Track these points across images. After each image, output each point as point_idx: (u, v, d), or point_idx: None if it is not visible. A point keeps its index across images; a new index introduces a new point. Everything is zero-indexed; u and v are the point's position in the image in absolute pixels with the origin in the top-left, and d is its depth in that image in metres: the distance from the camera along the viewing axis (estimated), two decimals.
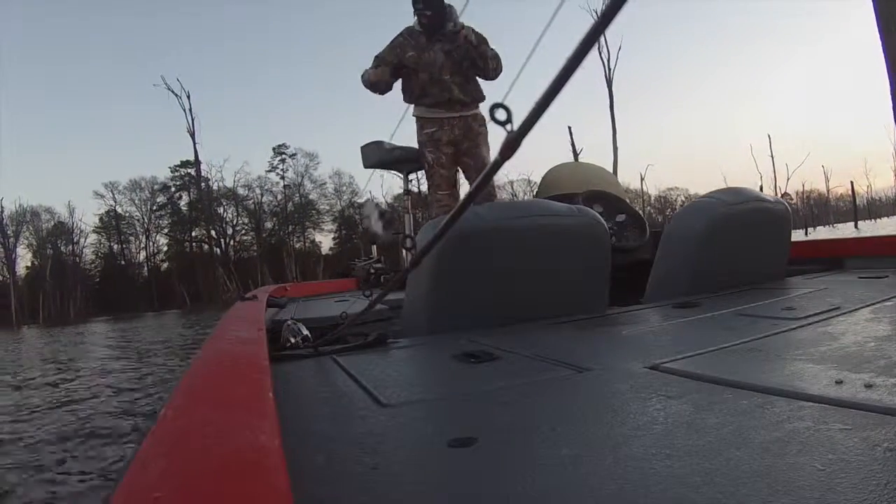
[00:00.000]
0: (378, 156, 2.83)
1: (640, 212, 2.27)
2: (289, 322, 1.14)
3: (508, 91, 0.40)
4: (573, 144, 25.34)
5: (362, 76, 2.51)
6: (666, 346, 0.86)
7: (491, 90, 2.61)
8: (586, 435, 0.51)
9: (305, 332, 1.10)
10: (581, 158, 25.07)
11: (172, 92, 24.34)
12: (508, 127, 0.36)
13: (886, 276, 1.43)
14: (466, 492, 0.41)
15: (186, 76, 50.59)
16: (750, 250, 1.57)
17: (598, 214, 1.34)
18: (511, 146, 0.37)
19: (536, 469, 0.44)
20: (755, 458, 0.41)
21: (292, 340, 1.08)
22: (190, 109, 24.46)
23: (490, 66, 2.45)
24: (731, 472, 0.40)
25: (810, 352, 0.71)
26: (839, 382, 0.57)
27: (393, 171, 3.22)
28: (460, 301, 1.19)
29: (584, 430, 0.53)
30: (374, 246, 3.44)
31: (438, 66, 2.45)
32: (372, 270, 3.00)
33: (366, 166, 2.89)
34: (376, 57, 2.51)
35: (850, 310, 0.99)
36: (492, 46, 2.48)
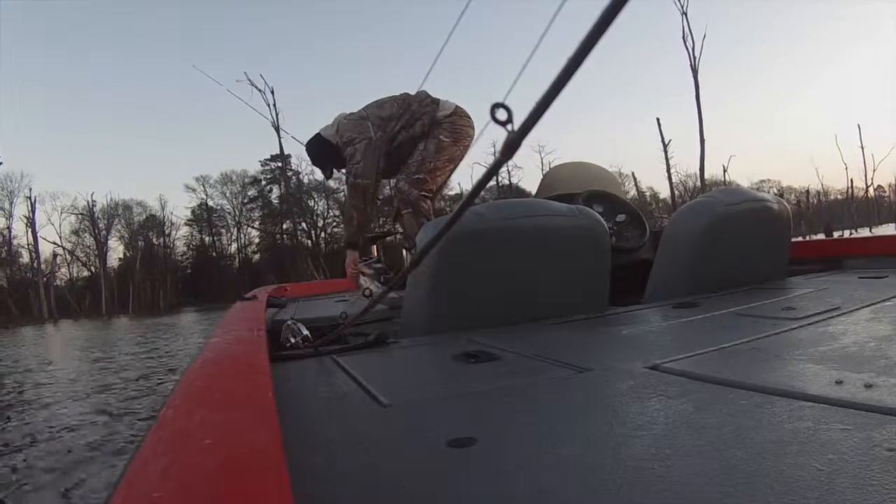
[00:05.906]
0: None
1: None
2: (289, 322, 1.14)
3: (509, 91, 0.40)
4: (662, 135, 25.01)
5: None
6: (666, 346, 0.86)
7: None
8: (586, 435, 0.51)
9: (305, 332, 1.10)
10: (669, 149, 24.80)
11: (255, 87, 24.34)
12: (509, 127, 0.36)
13: (886, 276, 1.43)
14: (466, 492, 0.41)
15: (275, 71, 49.50)
16: (750, 250, 1.57)
17: (598, 214, 1.34)
18: (512, 146, 0.37)
19: (536, 469, 0.44)
20: (755, 458, 0.41)
21: (292, 340, 1.08)
22: (274, 104, 24.34)
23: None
24: (731, 472, 0.40)
25: (810, 352, 0.71)
26: (839, 382, 0.56)
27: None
28: (460, 301, 1.19)
29: (584, 430, 0.53)
30: (374, 246, 3.44)
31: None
32: (372, 270, 3.00)
33: None
34: None
35: (850, 310, 0.99)
36: (355, 146, 2.14)
